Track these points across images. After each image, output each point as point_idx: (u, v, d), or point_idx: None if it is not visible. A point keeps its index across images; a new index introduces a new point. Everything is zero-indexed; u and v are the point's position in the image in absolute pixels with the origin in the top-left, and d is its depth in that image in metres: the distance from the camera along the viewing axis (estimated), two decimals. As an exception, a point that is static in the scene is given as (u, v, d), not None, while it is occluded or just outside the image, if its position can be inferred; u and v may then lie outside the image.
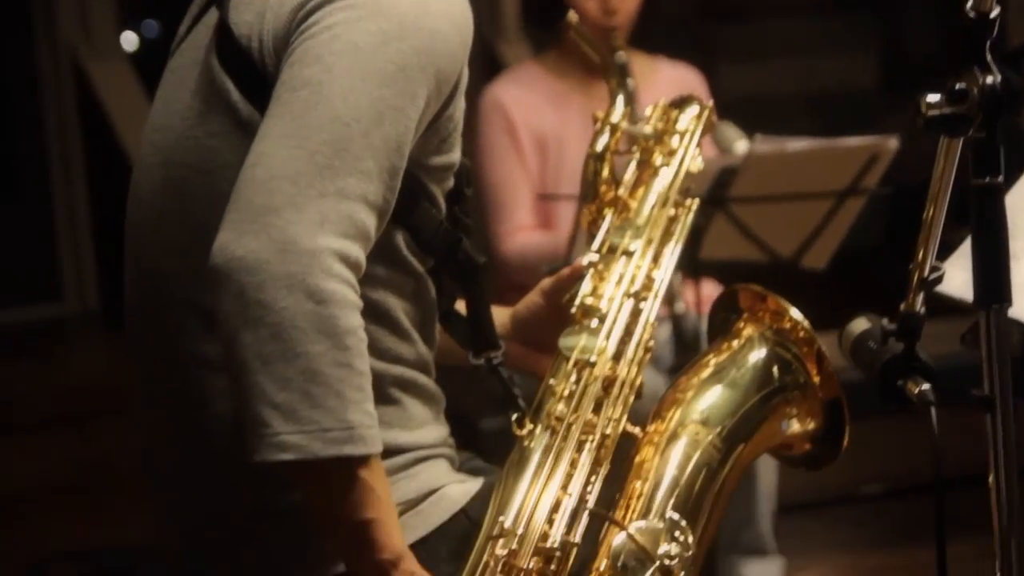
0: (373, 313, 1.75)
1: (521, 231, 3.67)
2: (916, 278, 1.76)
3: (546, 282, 2.08)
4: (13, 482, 4.67)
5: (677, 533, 1.78)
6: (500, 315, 2.08)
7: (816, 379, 1.95)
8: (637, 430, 1.90)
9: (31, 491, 4.61)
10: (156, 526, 1.88)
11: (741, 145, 3.37)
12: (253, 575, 1.78)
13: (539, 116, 3.70)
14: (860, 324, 1.92)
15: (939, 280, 1.77)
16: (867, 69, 5.96)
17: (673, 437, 1.89)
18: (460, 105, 1.83)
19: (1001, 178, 1.63)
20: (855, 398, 1.95)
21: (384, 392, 1.78)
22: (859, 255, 4.00)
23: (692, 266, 3.34)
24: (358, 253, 1.63)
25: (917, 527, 3.97)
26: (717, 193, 3.30)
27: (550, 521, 1.77)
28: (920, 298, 1.77)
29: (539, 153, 3.68)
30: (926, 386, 1.77)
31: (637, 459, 1.89)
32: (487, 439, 3.50)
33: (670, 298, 3.31)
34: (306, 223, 1.59)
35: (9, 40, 6.78)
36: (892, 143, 3.41)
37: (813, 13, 5.94)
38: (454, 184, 1.87)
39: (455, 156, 1.84)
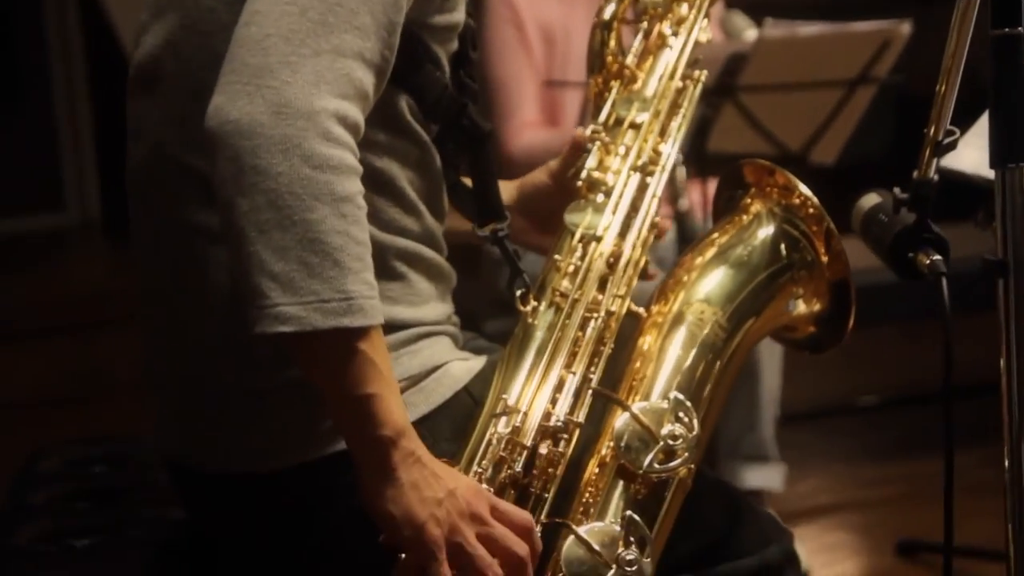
0: (376, 182, 1.69)
1: (528, 127, 3.58)
2: (930, 142, 1.69)
3: (553, 162, 2.01)
4: (11, 391, 4.63)
5: (681, 414, 1.72)
6: (507, 188, 2.02)
7: (824, 258, 1.88)
8: (641, 311, 1.85)
9: (28, 399, 4.57)
10: (156, 414, 1.83)
11: (751, 34, 3.30)
12: (250, 455, 1.72)
13: (546, 7, 3.60)
14: (871, 199, 1.85)
15: (954, 145, 1.69)
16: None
17: (678, 317, 1.83)
18: None
19: (1021, 28, 1.55)
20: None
21: (387, 265, 1.72)
22: (867, 165, 3.94)
23: (699, 160, 3.26)
24: (356, 114, 1.56)
25: (915, 439, 3.97)
26: (726, 81, 3.22)
27: (553, 400, 1.72)
28: (934, 165, 1.71)
29: (546, 45, 3.59)
30: (937, 257, 1.71)
31: (640, 340, 1.83)
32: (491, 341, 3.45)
33: (674, 196, 3.24)
34: (301, 83, 1.51)
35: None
36: (904, 28, 3.32)
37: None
38: (458, 46, 1.79)
39: (459, 16, 1.77)
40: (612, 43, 2.00)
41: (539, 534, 1.63)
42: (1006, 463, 1.66)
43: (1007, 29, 1.56)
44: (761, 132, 3.32)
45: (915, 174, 1.72)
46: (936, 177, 1.72)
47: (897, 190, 1.75)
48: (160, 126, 1.73)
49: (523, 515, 1.61)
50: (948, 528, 1.69)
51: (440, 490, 1.56)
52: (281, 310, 1.50)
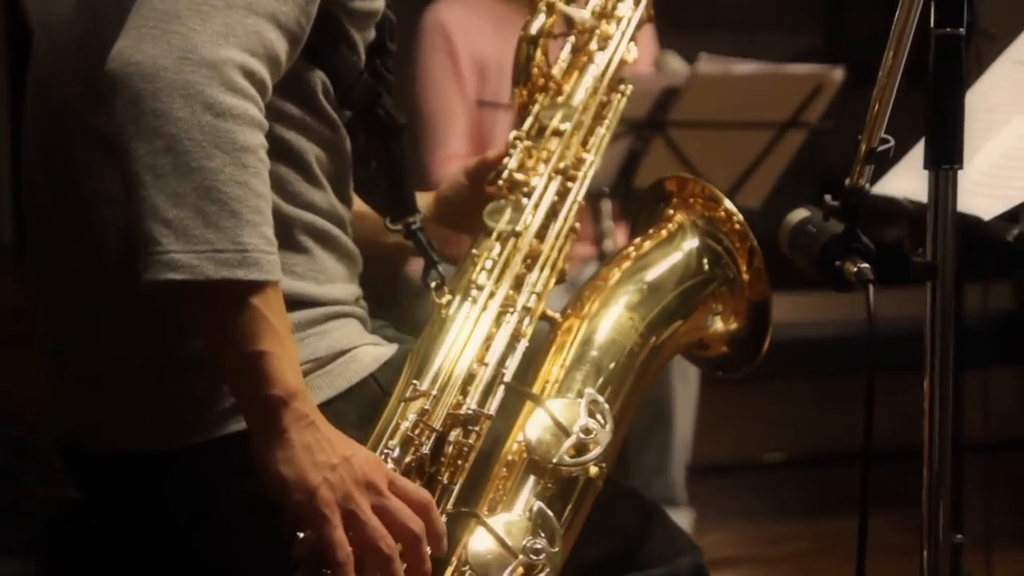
0: (283, 153, 1.65)
1: (455, 159, 3.56)
2: (864, 148, 1.68)
3: (471, 162, 1.99)
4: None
5: (595, 410, 1.69)
6: (423, 198, 2.00)
7: (745, 276, 1.87)
8: (556, 315, 1.81)
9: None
10: (49, 388, 1.76)
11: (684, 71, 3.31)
12: (144, 432, 1.66)
13: (481, 39, 3.60)
14: (799, 213, 1.84)
15: (888, 152, 1.69)
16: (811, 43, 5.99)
17: (594, 320, 1.80)
18: None
19: (963, 30, 1.55)
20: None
21: (293, 238, 1.67)
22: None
23: (626, 196, 3.25)
24: (263, 72, 1.52)
25: (824, 498, 3.94)
26: (657, 115, 3.23)
27: (464, 392, 1.68)
28: (868, 172, 1.69)
29: (479, 78, 3.59)
30: (864, 265, 1.69)
31: (555, 341, 1.79)
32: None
33: (599, 236, 3.22)
34: (209, 32, 1.48)
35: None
36: (837, 74, 3.37)
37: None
38: (376, 36, 1.77)
39: (378, 3, 1.75)
40: (538, 57, 1.98)
41: (445, 523, 1.58)
42: (924, 474, 1.63)
43: (948, 29, 1.56)
44: (689, 169, 3.32)
45: (847, 181, 1.71)
46: (868, 186, 1.70)
47: (828, 197, 1.74)
48: (66, 88, 1.68)
49: (421, 492, 1.56)
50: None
51: (334, 455, 1.51)
52: (172, 257, 1.45)
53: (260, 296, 1.48)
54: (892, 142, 1.69)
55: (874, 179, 1.75)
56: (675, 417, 3.42)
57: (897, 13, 1.60)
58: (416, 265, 3.43)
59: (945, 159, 1.58)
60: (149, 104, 1.45)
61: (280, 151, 1.62)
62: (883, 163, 1.75)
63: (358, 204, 1.87)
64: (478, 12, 3.65)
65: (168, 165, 1.45)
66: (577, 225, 1.86)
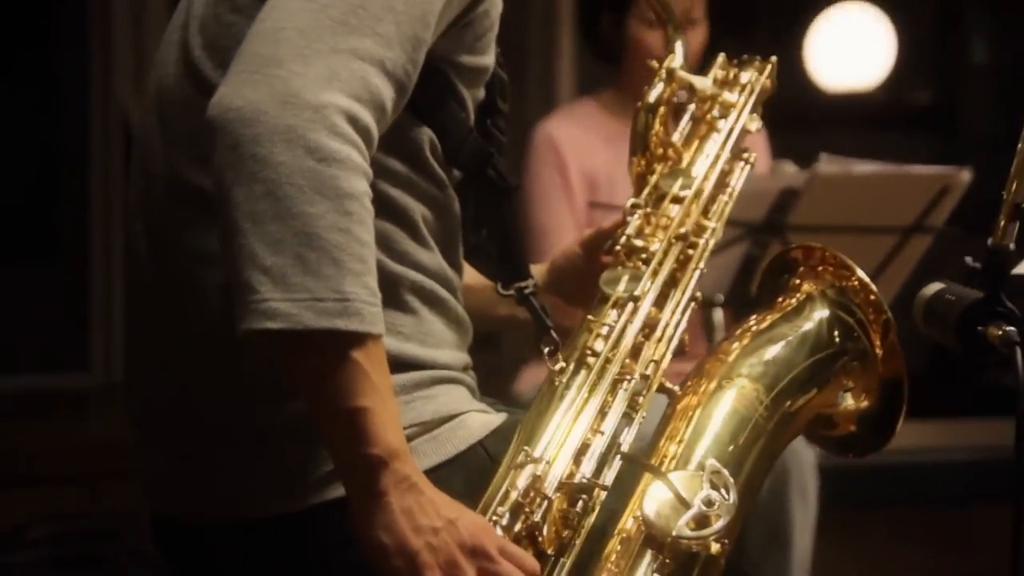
0: (390, 210, 1.60)
1: None
2: (1008, 204, 1.60)
3: (587, 231, 1.93)
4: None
5: (717, 482, 1.59)
6: (537, 269, 1.93)
7: (879, 351, 1.77)
8: (675, 388, 1.72)
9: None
10: (145, 467, 1.71)
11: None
12: (240, 500, 1.61)
13: (591, 154, 3.55)
14: (935, 285, 1.75)
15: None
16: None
17: (716, 391, 1.71)
18: (496, 3, 1.68)
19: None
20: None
21: (399, 297, 1.62)
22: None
23: (741, 303, 3.14)
24: (368, 119, 1.47)
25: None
26: (775, 218, 3.13)
27: (577, 462, 1.60)
28: (1012, 230, 1.61)
29: (589, 192, 3.53)
30: (1010, 328, 1.60)
31: (674, 414, 1.70)
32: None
33: (709, 331, 3.12)
34: (312, 76, 1.44)
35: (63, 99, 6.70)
36: (965, 175, 3.24)
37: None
38: (487, 95, 1.72)
39: (488, 60, 1.69)
40: (657, 126, 1.92)
41: None
42: None
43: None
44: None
45: (989, 241, 1.62)
46: (1013, 246, 1.62)
47: (969, 259, 1.65)
48: (171, 152, 1.65)
49: (531, 561, 1.48)
50: None
51: (438, 519, 1.43)
52: (271, 305, 1.40)
53: (361, 350, 1.42)
54: None
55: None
56: (794, 537, 3.29)
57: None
58: (527, 383, 3.39)
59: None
60: (249, 149, 1.41)
61: (385, 208, 1.57)
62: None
63: (469, 276, 1.82)
64: (588, 127, 3.61)
65: (268, 211, 1.40)
66: (698, 295, 1.78)
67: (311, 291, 1.40)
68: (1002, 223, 1.62)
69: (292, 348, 1.43)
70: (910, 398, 1.74)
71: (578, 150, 3.55)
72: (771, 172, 3.47)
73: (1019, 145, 1.60)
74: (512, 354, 3.80)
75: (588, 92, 3.86)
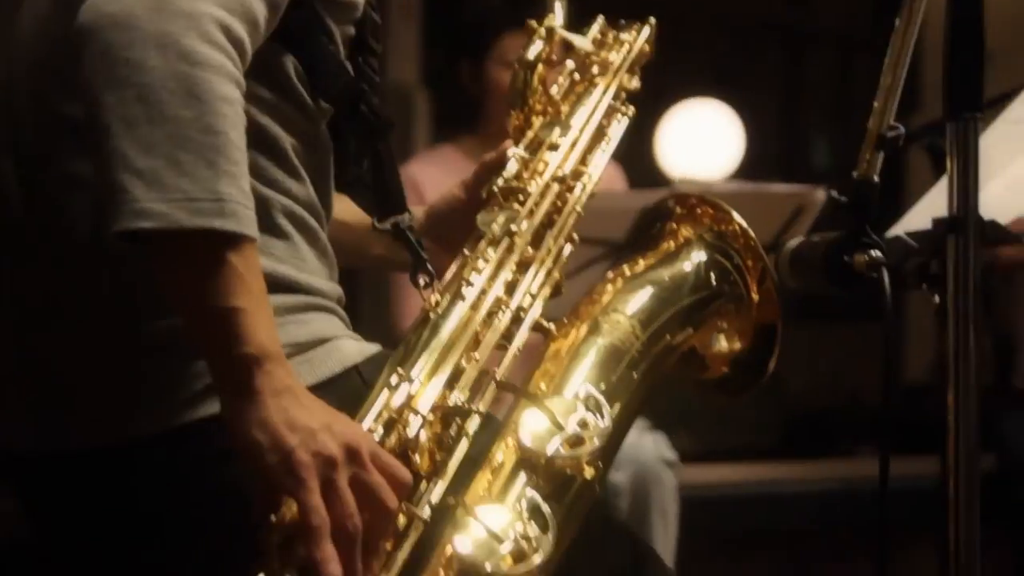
0: (257, 138, 1.58)
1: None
2: (871, 136, 1.61)
3: (466, 177, 1.93)
4: None
5: (591, 406, 1.59)
6: (415, 212, 1.91)
7: (755, 296, 1.78)
8: (551, 325, 1.71)
9: None
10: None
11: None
12: (105, 422, 1.56)
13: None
14: (797, 239, 1.77)
15: (898, 139, 1.61)
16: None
17: (592, 327, 1.70)
18: None
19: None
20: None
21: (271, 220, 1.59)
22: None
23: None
24: (241, 31, 1.45)
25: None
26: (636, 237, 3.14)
27: (451, 387, 1.56)
28: (877, 161, 1.62)
29: None
30: (876, 253, 1.61)
31: (549, 348, 1.69)
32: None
33: None
34: None
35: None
36: (820, 194, 3.29)
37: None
38: (358, 34, 1.72)
39: None
40: (535, 83, 1.92)
41: (428, 517, 1.47)
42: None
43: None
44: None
45: (854, 173, 1.63)
46: (877, 178, 1.63)
47: (834, 192, 1.66)
48: (35, 77, 1.61)
49: (405, 471, 1.44)
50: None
51: (313, 421, 1.40)
52: (144, 206, 1.37)
53: (236, 251, 1.39)
54: (902, 129, 1.62)
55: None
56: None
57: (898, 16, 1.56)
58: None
59: (965, 107, 1.50)
60: (121, 54, 1.38)
61: (255, 137, 1.55)
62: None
63: (346, 213, 1.81)
64: (449, 171, 3.59)
65: (141, 115, 1.37)
66: (575, 236, 1.77)
67: (185, 192, 1.37)
68: (867, 155, 1.63)
69: (166, 249, 1.40)
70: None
71: (439, 192, 3.54)
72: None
73: (881, 76, 1.61)
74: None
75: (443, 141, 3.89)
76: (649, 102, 5.43)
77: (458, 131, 3.77)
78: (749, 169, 5.55)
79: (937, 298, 1.69)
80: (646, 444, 3.49)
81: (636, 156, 3.58)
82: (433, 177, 3.58)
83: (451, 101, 3.81)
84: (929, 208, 1.72)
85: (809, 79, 6.72)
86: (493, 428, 1.59)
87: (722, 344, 1.78)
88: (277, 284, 1.56)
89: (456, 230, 1.84)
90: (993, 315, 4.45)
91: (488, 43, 3.49)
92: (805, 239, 1.75)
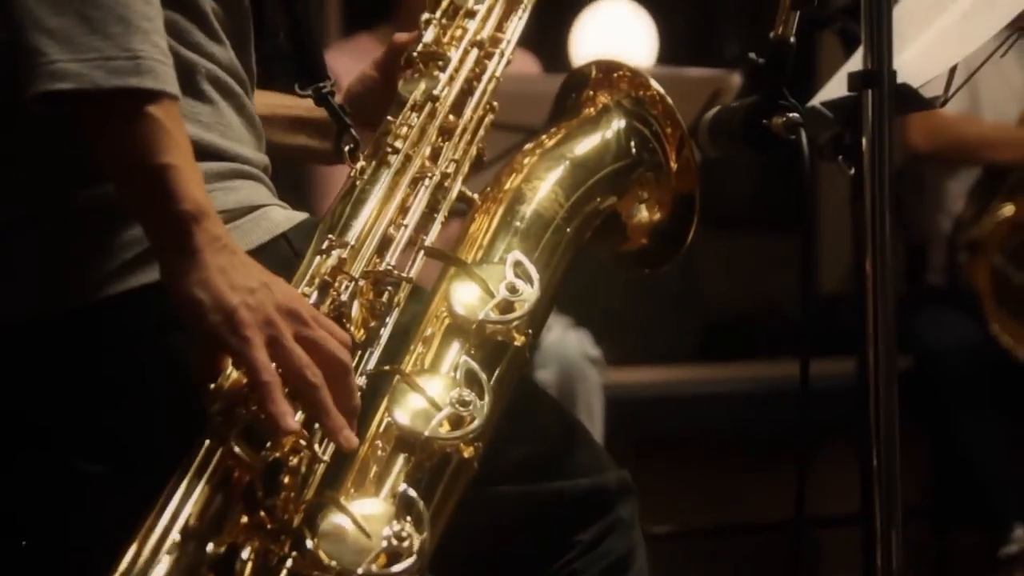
0: (177, 0, 1.54)
1: None
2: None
3: (379, 55, 1.90)
4: None
5: (519, 273, 1.59)
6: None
7: (673, 165, 1.78)
8: (474, 196, 1.71)
9: None
10: None
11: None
12: (36, 293, 1.53)
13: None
14: (716, 108, 1.78)
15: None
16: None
17: (516, 193, 1.70)
18: None
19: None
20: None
21: (196, 85, 1.56)
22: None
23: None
24: None
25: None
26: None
27: (380, 255, 1.56)
28: (793, 19, 1.63)
29: None
30: (793, 114, 1.61)
31: (474, 218, 1.69)
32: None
33: None
34: None
35: None
36: (735, 79, 3.30)
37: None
38: None
39: None
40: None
41: (365, 383, 1.46)
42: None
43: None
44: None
45: (771, 34, 1.64)
46: (794, 39, 1.64)
47: (752, 55, 1.67)
48: None
49: (343, 332, 1.43)
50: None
51: (252, 280, 1.38)
52: (59, 67, 1.34)
53: (158, 107, 1.37)
54: None
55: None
56: None
57: None
58: None
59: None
60: None
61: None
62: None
63: (261, 107, 1.77)
64: (367, 59, 3.57)
65: None
66: (495, 103, 1.76)
67: (99, 50, 1.35)
68: (783, 16, 1.63)
69: (86, 112, 1.37)
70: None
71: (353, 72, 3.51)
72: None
73: None
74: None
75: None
76: (561, 3, 5.43)
77: (370, 24, 3.74)
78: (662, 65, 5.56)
79: (853, 170, 1.72)
80: (571, 341, 3.51)
81: (550, 58, 3.54)
82: (348, 66, 3.50)
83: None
84: (843, 81, 1.73)
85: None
86: (421, 297, 1.59)
87: (643, 214, 1.79)
88: (204, 151, 1.53)
89: (374, 110, 1.81)
90: (905, 221, 4.50)
91: None
92: (723, 107, 1.76)
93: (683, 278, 5.16)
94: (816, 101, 1.82)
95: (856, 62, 1.68)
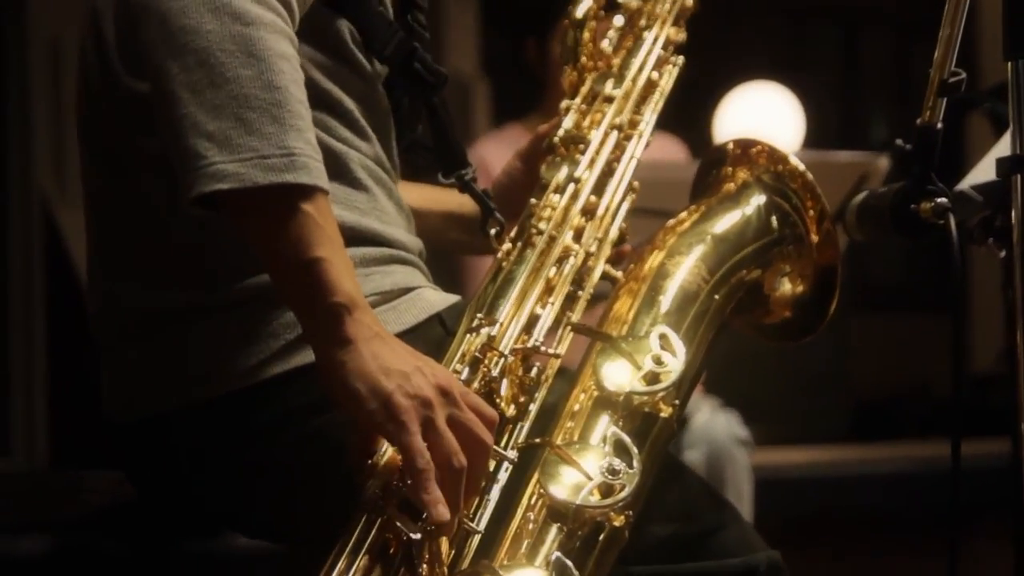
0: (324, 101, 1.62)
1: None
2: (933, 82, 1.62)
3: (522, 146, 1.96)
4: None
5: (665, 346, 1.60)
6: None
7: (814, 237, 1.79)
8: (619, 274, 1.74)
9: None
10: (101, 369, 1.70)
11: None
12: (187, 383, 1.59)
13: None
14: (863, 193, 1.78)
15: (960, 84, 1.62)
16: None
17: (659, 269, 1.72)
18: None
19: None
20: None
21: (350, 173, 1.63)
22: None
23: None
24: None
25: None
26: None
27: (528, 332, 1.60)
28: (940, 108, 1.63)
29: None
30: (941, 199, 1.62)
31: (618, 296, 1.71)
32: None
33: None
34: None
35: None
36: (883, 162, 3.28)
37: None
38: None
39: None
40: (586, 38, 1.95)
41: (515, 456, 1.50)
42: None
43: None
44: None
45: (918, 121, 1.64)
46: (941, 125, 1.64)
47: (899, 141, 1.67)
48: (107, 66, 1.64)
49: (491, 410, 1.46)
50: None
51: (406, 364, 1.42)
52: (219, 168, 1.40)
53: (311, 203, 1.42)
54: (963, 74, 1.63)
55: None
56: None
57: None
58: None
59: (1024, 48, 1.51)
60: (178, 21, 1.42)
61: (320, 99, 1.59)
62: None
63: (420, 200, 1.85)
64: (517, 147, 3.63)
65: (203, 79, 1.41)
66: (636, 184, 1.80)
67: (256, 149, 1.40)
68: (929, 102, 1.64)
69: (244, 208, 1.43)
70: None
71: (504, 158, 3.56)
72: None
73: (941, 28, 1.62)
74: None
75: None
76: (707, 87, 5.45)
77: (519, 115, 3.79)
78: (809, 149, 5.55)
79: (1004, 252, 1.71)
80: (719, 422, 3.49)
81: (695, 142, 3.56)
82: (500, 155, 3.57)
83: (511, 89, 3.82)
84: (992, 164, 1.73)
85: (865, 59, 6.71)
86: (568, 376, 1.61)
87: (785, 287, 1.80)
88: (363, 236, 1.59)
89: (520, 199, 1.85)
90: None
91: (554, 19, 3.51)
92: (871, 192, 1.76)
93: (832, 358, 5.12)
94: (965, 184, 1.82)
95: (1004, 147, 1.68)
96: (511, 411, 1.54)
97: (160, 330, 1.60)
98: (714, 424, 3.48)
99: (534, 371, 1.57)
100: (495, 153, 3.59)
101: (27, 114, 6.69)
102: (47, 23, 6.35)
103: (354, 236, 1.50)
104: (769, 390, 4.14)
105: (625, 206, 1.77)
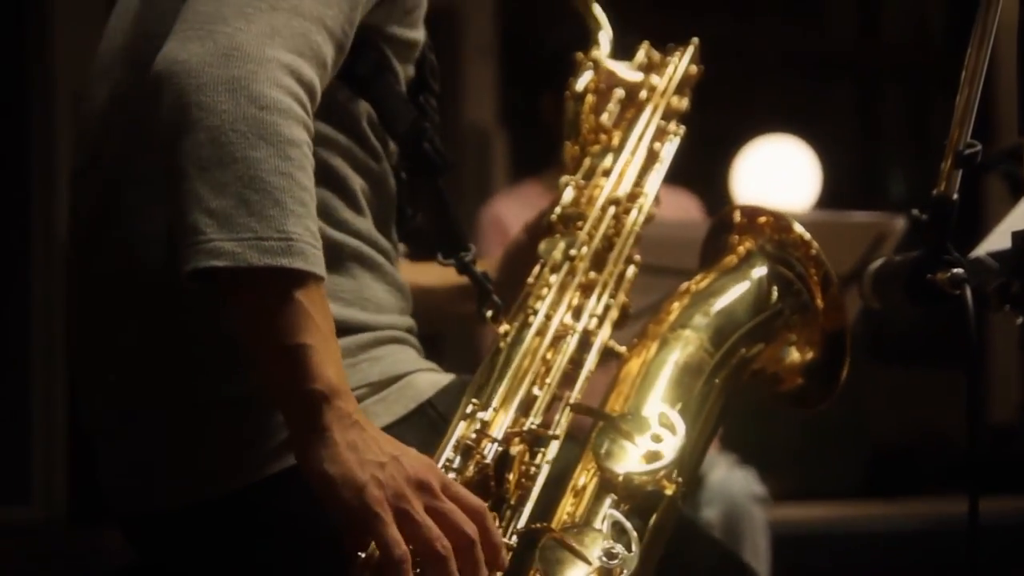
0: (330, 179, 1.62)
1: None
2: (949, 151, 1.61)
3: (529, 220, 1.95)
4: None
5: (664, 422, 1.59)
6: (490, 264, 1.96)
7: (820, 304, 1.77)
8: (622, 349, 1.72)
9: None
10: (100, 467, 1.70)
11: None
12: (198, 480, 1.58)
13: None
14: (879, 260, 1.77)
15: (976, 156, 1.61)
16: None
17: (662, 345, 1.70)
18: None
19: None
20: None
21: (340, 264, 1.63)
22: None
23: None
24: (311, 74, 1.49)
25: None
26: None
27: (525, 413, 1.58)
28: (955, 179, 1.62)
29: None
30: (958, 270, 1.60)
31: (621, 372, 1.70)
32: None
33: None
34: (255, 33, 1.46)
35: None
36: (899, 223, 3.26)
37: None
38: (418, 73, 1.76)
39: (418, 34, 1.73)
40: (586, 112, 1.95)
41: (515, 542, 1.48)
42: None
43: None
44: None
45: (934, 191, 1.63)
46: (956, 196, 1.63)
47: (915, 211, 1.66)
48: (122, 147, 1.65)
49: (475, 499, 1.45)
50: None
51: (382, 454, 1.41)
52: (216, 245, 1.40)
53: (303, 290, 1.42)
54: (979, 146, 1.62)
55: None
56: None
57: (979, 10, 1.56)
58: None
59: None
60: (193, 98, 1.42)
61: (326, 177, 1.59)
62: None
63: (425, 277, 1.85)
64: (534, 206, 3.60)
65: (212, 157, 1.41)
66: (637, 257, 1.78)
67: (255, 231, 1.40)
68: (945, 172, 1.63)
69: (236, 287, 1.42)
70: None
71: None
72: None
73: (958, 96, 1.61)
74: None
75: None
76: (724, 141, 5.44)
77: (537, 169, 3.79)
78: (826, 205, 5.55)
79: (1021, 319, 1.70)
80: (736, 480, 3.47)
81: (713, 196, 3.55)
82: (516, 213, 3.59)
83: (530, 141, 3.81)
84: (1009, 230, 1.72)
85: (884, 114, 6.71)
86: (571, 452, 1.60)
87: (794, 356, 1.78)
88: (347, 327, 1.59)
89: (525, 274, 1.84)
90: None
91: (571, 74, 3.50)
92: (887, 259, 1.75)
93: (849, 412, 5.10)
94: (982, 251, 1.81)
95: (1020, 215, 1.67)
96: (514, 494, 1.52)
97: (165, 427, 1.60)
98: (731, 482, 3.45)
99: (536, 454, 1.55)
100: (511, 211, 3.59)
101: (50, 165, 6.71)
102: (71, 73, 6.39)
103: (338, 327, 1.48)
104: (786, 443, 4.10)
105: (626, 279, 1.75)
